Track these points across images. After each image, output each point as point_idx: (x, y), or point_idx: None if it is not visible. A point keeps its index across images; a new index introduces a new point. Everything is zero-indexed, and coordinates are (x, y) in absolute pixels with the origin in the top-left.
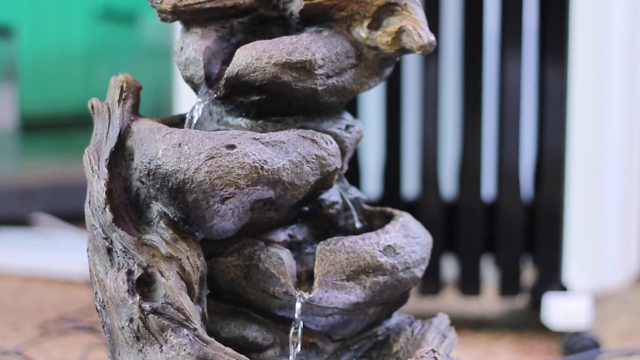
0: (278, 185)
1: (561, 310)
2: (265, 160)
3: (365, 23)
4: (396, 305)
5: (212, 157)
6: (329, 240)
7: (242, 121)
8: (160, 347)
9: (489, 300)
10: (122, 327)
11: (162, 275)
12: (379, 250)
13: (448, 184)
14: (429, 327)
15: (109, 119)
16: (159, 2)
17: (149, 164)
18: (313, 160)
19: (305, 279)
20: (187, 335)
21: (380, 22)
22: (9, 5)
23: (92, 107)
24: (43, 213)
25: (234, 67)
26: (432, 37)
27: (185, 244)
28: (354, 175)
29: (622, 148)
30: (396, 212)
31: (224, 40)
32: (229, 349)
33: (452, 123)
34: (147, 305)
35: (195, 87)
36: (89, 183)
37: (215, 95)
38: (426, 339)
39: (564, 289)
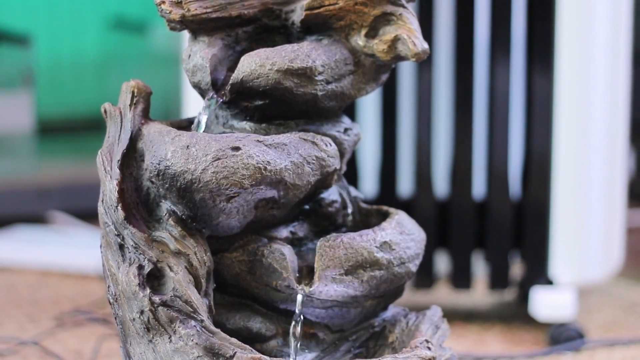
0: (280, 185)
1: (547, 303)
2: (268, 162)
3: (363, 32)
4: (392, 298)
5: (218, 159)
6: (328, 236)
7: (247, 124)
8: (169, 338)
9: (479, 294)
10: (133, 319)
11: (171, 269)
12: (376, 247)
13: (441, 184)
14: (423, 319)
15: (121, 122)
16: (168, 12)
17: (159, 164)
18: (313, 161)
19: (306, 274)
20: (194, 326)
21: (376, 31)
22: (27, 16)
23: (105, 111)
24: (59, 211)
25: (238, 73)
26: (426, 45)
27: (192, 241)
28: (352, 175)
29: (604, 149)
30: (392, 210)
31: (229, 48)
32: (234, 340)
33: (444, 126)
34: (156, 298)
35: (202, 93)
36: (102, 183)
37: (221, 100)
38: (420, 329)
39: (550, 282)
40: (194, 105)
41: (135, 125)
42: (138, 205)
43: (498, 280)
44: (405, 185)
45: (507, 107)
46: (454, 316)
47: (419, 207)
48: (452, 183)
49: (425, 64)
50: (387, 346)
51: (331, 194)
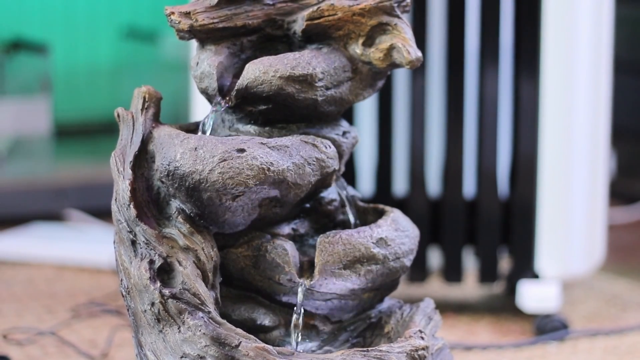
0: (283, 184)
1: (534, 296)
2: (271, 163)
3: (360, 41)
4: (387, 291)
5: (224, 160)
6: (328, 233)
7: (251, 128)
8: (178, 328)
9: (470, 287)
10: (145, 311)
11: (180, 264)
12: (372, 242)
13: (433, 183)
14: (417, 311)
15: (133, 125)
16: (177, 22)
17: (169, 165)
18: (314, 163)
19: (307, 268)
20: (202, 317)
21: (373, 40)
22: (45, 26)
23: (118, 115)
24: (74, 209)
25: (243, 80)
26: (419, 53)
27: (200, 237)
28: (350, 175)
29: (587, 151)
30: (387, 208)
31: (235, 56)
32: (239, 330)
33: (437, 129)
34: (166, 291)
35: (210, 98)
36: (115, 183)
37: (227, 105)
38: (414, 320)
39: (536, 276)
40: (201, 109)
41: (147, 129)
42: (149, 204)
43: (487, 274)
44: (400, 184)
45: (496, 111)
46: (445, 308)
47: (413, 205)
48: (444, 183)
49: (419, 71)
50: (383, 336)
51: (330, 193)
